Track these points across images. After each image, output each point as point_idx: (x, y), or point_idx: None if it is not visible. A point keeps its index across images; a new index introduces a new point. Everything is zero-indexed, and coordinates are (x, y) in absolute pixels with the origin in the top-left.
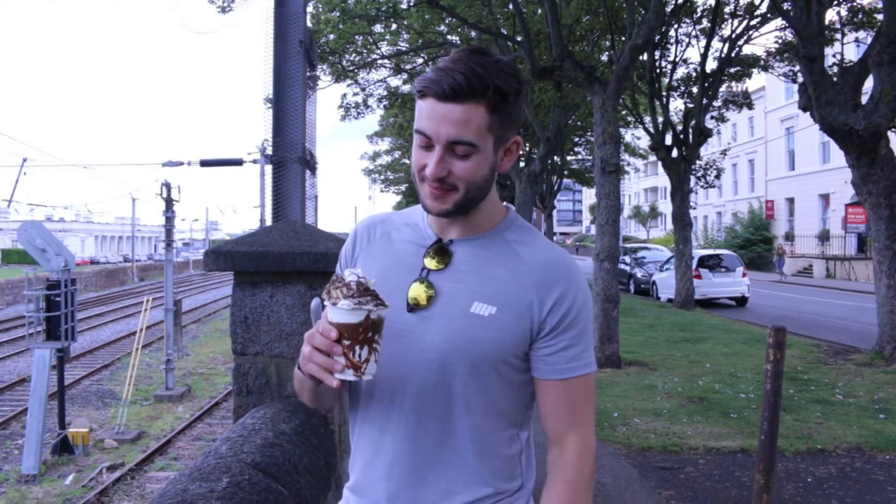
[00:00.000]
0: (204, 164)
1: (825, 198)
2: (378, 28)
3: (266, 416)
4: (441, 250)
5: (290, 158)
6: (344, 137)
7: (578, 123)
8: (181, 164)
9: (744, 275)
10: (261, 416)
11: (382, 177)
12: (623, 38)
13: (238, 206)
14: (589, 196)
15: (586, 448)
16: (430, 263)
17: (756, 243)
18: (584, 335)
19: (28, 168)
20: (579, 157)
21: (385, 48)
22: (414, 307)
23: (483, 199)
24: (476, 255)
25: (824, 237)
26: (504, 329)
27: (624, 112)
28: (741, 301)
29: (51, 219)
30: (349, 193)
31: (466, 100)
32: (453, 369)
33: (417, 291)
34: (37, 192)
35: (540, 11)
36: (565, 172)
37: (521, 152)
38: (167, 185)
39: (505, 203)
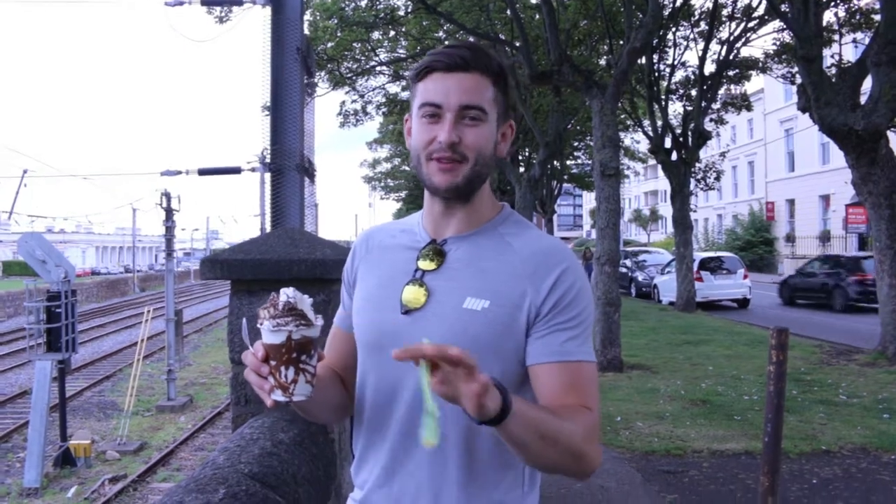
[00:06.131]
0: (202, 172)
1: (825, 199)
2: (376, 35)
3: (264, 426)
4: (435, 250)
5: (288, 166)
6: (344, 145)
7: (578, 128)
8: (179, 173)
9: (745, 277)
10: (259, 426)
11: (382, 184)
12: (621, 42)
13: (239, 216)
14: (589, 200)
15: (593, 423)
16: (424, 264)
17: (757, 245)
18: (582, 322)
19: (28, 179)
20: (579, 161)
21: (383, 55)
22: (408, 310)
23: (485, 181)
24: (469, 252)
25: (825, 238)
26: (498, 321)
27: (623, 116)
28: (743, 303)
29: (51, 230)
30: (350, 201)
31: (474, 70)
32: None
33: (410, 293)
34: (37, 203)
35: (538, 17)
36: (565, 177)
37: (520, 158)
38: (167, 195)
39: (502, 203)
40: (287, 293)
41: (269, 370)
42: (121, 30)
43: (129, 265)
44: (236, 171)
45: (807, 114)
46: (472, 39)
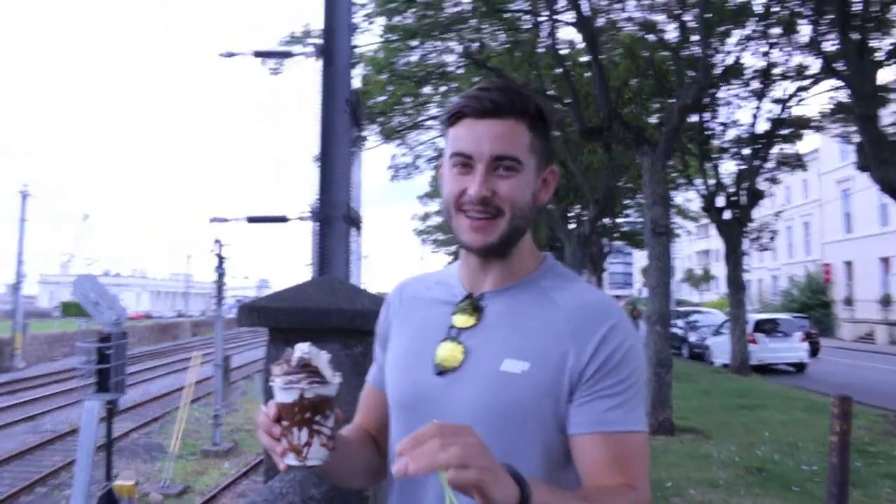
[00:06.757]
0: (251, 220)
1: (885, 261)
2: (427, 90)
3: (295, 480)
4: (471, 306)
5: (334, 216)
6: (395, 198)
7: (628, 185)
8: (227, 220)
9: (802, 340)
10: (290, 480)
11: (433, 238)
12: (672, 101)
13: (291, 266)
14: (640, 259)
15: None
16: (460, 321)
17: (814, 307)
18: (631, 387)
19: (88, 224)
20: (630, 219)
21: (434, 110)
22: (443, 370)
23: (523, 234)
24: (508, 308)
25: (886, 302)
26: (539, 386)
27: (674, 174)
28: (800, 367)
29: (108, 273)
30: (401, 255)
31: (507, 116)
32: (486, 436)
33: (445, 353)
34: (95, 247)
35: (588, 74)
36: (616, 235)
37: (570, 214)
38: (218, 243)
39: (544, 252)
40: (301, 349)
41: (280, 431)
42: (174, 77)
43: (182, 310)
44: (283, 219)
45: (866, 173)
46: None
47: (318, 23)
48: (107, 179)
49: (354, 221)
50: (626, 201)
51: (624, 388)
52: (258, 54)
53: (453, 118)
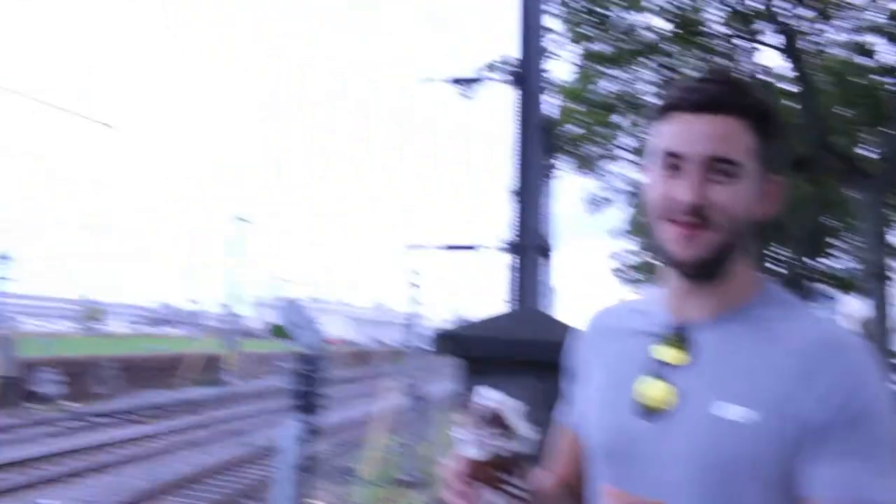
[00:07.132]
0: (445, 248)
1: None
2: (620, 119)
3: None
4: (679, 339)
5: (528, 247)
6: (592, 232)
7: (837, 222)
8: (424, 247)
9: None
10: None
11: (629, 276)
12: (889, 130)
13: (486, 296)
14: (848, 304)
15: None
16: (665, 355)
17: None
18: (878, 443)
19: (294, 251)
20: (837, 260)
21: (625, 140)
22: (646, 412)
23: (738, 253)
24: (723, 342)
25: None
26: (764, 437)
27: (893, 212)
28: None
29: (313, 299)
30: (594, 289)
31: (727, 112)
32: (702, 493)
33: (651, 391)
34: (304, 272)
35: (789, 102)
36: (819, 277)
37: (768, 253)
38: (413, 272)
39: (762, 276)
40: (492, 398)
41: (466, 491)
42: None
43: (380, 338)
44: (471, 248)
45: None
46: None
47: (510, 51)
48: (319, 207)
49: (547, 252)
50: (833, 241)
51: (877, 447)
52: (455, 81)
53: (664, 111)
